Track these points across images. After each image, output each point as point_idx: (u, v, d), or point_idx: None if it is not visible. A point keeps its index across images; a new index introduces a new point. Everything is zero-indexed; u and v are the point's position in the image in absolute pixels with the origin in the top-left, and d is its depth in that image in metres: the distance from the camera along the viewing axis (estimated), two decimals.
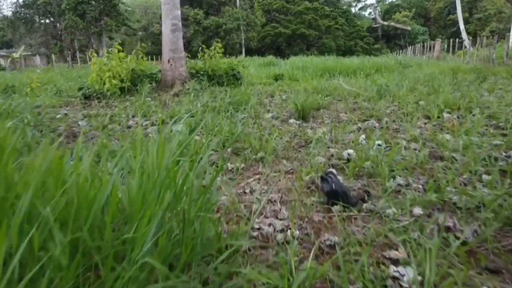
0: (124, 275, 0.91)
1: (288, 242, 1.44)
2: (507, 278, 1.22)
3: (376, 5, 48.32)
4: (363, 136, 3.01)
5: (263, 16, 35.57)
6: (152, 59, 18.06)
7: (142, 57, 6.80)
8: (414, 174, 2.13)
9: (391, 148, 2.56)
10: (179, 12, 6.59)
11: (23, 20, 25.91)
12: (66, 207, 1.05)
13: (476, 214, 1.62)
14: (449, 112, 3.77)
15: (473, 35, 24.27)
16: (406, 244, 1.37)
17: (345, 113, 4.12)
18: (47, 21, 27.36)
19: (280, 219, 1.66)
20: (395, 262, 1.28)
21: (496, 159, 2.26)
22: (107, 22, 25.47)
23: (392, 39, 41.94)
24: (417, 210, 1.63)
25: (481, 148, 2.42)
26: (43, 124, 3.81)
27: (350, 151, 2.49)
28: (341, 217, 1.64)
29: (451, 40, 15.89)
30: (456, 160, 2.30)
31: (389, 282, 1.16)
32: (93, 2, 24.73)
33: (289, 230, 1.50)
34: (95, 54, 6.07)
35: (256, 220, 1.61)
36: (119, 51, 6.15)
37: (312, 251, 1.35)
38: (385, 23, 41.24)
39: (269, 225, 1.58)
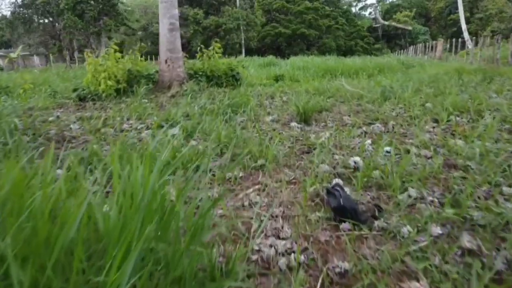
0: None
1: (291, 269, 1.27)
2: None
3: (376, 5, 48.14)
4: (369, 141, 2.84)
5: (263, 16, 35.36)
6: (151, 59, 17.90)
7: (139, 57, 6.62)
8: (428, 185, 1.96)
9: (400, 155, 2.39)
10: (176, 11, 6.41)
11: (22, 20, 25.70)
12: (30, 238, 0.88)
13: (501, 233, 1.45)
14: (458, 115, 3.60)
15: (474, 34, 24.08)
16: (427, 271, 1.20)
17: (349, 116, 3.95)
18: (46, 21, 27.16)
19: (283, 239, 1.49)
20: None
21: None
22: (106, 22, 25.27)
23: (392, 39, 41.74)
24: (436, 229, 1.46)
25: (498, 156, 2.25)
26: (34, 127, 3.65)
27: (357, 158, 2.31)
28: (350, 236, 1.47)
29: (453, 40, 15.70)
30: (472, 169, 2.13)
31: None
32: (92, 1, 24.53)
33: (292, 254, 1.33)
34: (90, 54, 5.88)
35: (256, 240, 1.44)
36: (115, 51, 5.97)
37: (320, 280, 1.18)
38: (386, 22, 41.04)
39: (270, 246, 1.41)
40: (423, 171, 2.05)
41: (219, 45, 7.07)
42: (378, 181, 2.00)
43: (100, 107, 5.04)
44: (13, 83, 7.32)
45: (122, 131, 3.53)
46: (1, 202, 0.89)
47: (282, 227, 1.57)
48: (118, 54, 6.00)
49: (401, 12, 40.85)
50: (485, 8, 34.20)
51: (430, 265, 1.23)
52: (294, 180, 2.15)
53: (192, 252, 0.93)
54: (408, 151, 2.51)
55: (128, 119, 4.04)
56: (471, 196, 1.72)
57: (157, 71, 6.73)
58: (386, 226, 1.53)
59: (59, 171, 2.35)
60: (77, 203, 0.95)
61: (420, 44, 21.58)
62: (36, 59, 26.29)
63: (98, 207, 0.98)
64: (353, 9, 52.29)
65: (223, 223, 1.55)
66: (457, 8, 21.51)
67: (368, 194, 1.88)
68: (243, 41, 30.99)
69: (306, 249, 1.38)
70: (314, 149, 2.69)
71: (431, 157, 2.39)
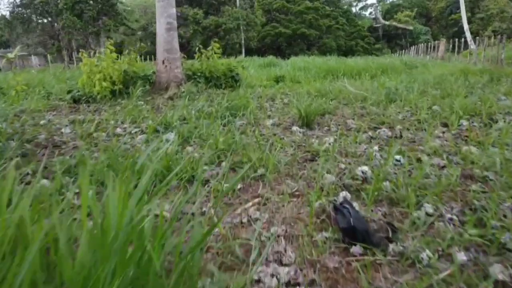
0: None
1: None
2: None
3: (377, 4, 47.93)
4: (376, 147, 2.66)
5: (263, 16, 35.12)
6: (151, 59, 17.70)
7: (135, 58, 6.44)
8: (444, 199, 1.78)
9: (412, 165, 2.21)
10: (174, 10, 6.23)
11: (20, 20, 25.47)
12: None
13: None
14: (468, 119, 3.43)
15: (476, 34, 23.90)
16: None
17: (353, 119, 3.77)
18: (45, 21, 26.93)
19: (285, 265, 1.31)
20: None
21: None
22: (105, 22, 25.06)
23: (393, 39, 41.51)
24: (460, 255, 1.29)
25: None
26: (22, 132, 3.47)
27: (365, 168, 2.14)
28: (362, 263, 1.30)
29: (456, 40, 15.50)
30: (491, 180, 1.95)
31: None
32: (91, 1, 24.32)
33: (297, 287, 1.16)
34: (85, 55, 5.70)
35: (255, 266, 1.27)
36: (111, 51, 5.79)
37: None
38: (387, 22, 40.82)
39: (272, 275, 1.24)
40: (438, 183, 1.88)
41: (218, 45, 6.89)
42: (390, 195, 1.83)
43: (94, 110, 4.87)
44: (7, 84, 7.14)
45: (115, 135, 3.36)
46: None
47: (285, 250, 1.40)
48: (114, 55, 5.82)
49: (401, 12, 40.64)
50: (486, 7, 33.98)
51: None
52: (297, 193, 1.97)
53: None
54: (419, 160, 2.34)
55: (122, 123, 3.86)
56: (495, 215, 1.54)
57: (154, 72, 6.55)
58: (402, 250, 1.35)
59: (44, 181, 2.19)
60: (35, 237, 0.77)
61: (422, 44, 21.37)
62: (34, 59, 26.10)
63: (62, 241, 0.81)
64: (354, 9, 52.12)
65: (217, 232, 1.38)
66: (458, 8, 21.32)
67: (379, 210, 1.71)
68: (243, 41, 30.78)
69: (313, 281, 1.20)
70: (318, 156, 2.52)
71: (444, 166, 2.22)
